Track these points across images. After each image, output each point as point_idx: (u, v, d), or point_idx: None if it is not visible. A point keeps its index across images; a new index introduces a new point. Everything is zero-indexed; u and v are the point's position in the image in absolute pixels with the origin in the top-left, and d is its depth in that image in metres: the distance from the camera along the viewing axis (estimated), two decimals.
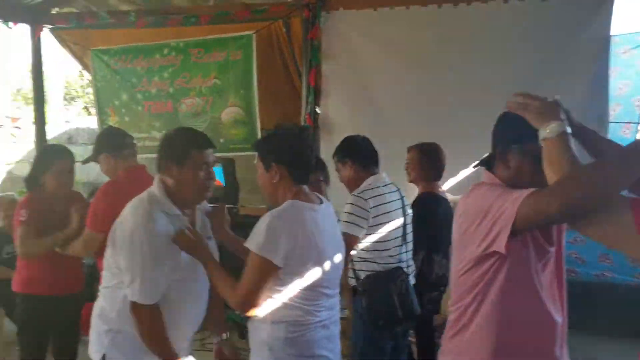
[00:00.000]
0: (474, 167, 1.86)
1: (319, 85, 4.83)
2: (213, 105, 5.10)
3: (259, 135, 5.00)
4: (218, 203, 2.43)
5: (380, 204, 2.96)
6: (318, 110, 4.94)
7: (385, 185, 3.08)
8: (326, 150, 4.70)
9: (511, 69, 4.33)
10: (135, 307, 2.09)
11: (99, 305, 2.31)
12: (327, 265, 2.12)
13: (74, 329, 3.33)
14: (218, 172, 5.46)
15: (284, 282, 2.02)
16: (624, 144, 4.74)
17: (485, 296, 1.68)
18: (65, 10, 5.59)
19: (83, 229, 2.93)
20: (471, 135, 4.43)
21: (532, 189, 1.53)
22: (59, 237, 3.04)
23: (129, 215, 2.13)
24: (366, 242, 2.98)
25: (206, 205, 2.40)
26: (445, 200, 3.67)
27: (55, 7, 5.54)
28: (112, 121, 5.56)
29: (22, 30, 5.34)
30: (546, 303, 1.67)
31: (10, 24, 5.24)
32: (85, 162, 3.27)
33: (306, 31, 4.67)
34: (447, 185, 4.56)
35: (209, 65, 5.07)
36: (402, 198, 3.14)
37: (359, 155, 3.14)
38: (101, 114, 5.65)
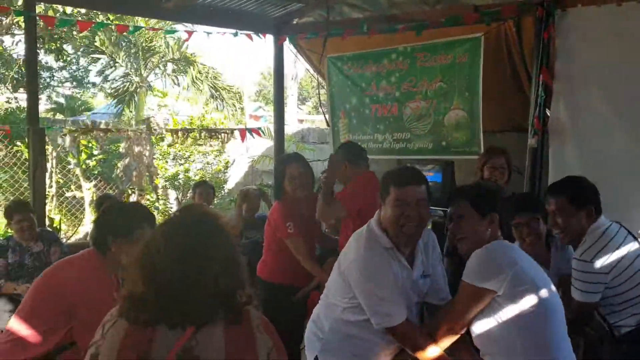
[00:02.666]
0: None
1: (550, 87, 4.58)
2: (437, 108, 5.13)
3: (482, 139, 4.90)
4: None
5: None
6: (548, 112, 4.69)
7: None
8: (554, 156, 4.45)
9: None
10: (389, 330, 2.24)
11: (317, 311, 2.49)
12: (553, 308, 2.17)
13: (302, 317, 3.61)
14: (436, 175, 5.50)
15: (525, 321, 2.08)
16: None
17: None
18: (304, 20, 6.10)
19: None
20: None
21: None
22: (317, 270, 3.54)
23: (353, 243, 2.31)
24: None
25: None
26: None
27: (295, 18, 6.08)
28: (342, 123, 5.93)
29: (257, 39, 5.95)
30: None
31: (260, 35, 5.90)
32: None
33: (539, 30, 4.45)
34: None
35: (435, 68, 5.12)
36: None
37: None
38: (333, 117, 6.05)
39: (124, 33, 10.25)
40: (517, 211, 3.00)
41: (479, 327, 2.11)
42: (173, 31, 5.41)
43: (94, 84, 17.05)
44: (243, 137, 6.56)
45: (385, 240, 2.20)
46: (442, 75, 5.07)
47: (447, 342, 2.16)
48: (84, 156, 9.45)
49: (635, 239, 2.74)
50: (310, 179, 3.65)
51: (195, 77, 12.82)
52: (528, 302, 2.00)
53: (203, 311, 1.49)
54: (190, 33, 5.89)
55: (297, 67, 12.41)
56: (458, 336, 2.17)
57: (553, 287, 2.17)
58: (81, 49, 13.07)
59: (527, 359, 2.03)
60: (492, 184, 2.50)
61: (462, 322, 2.12)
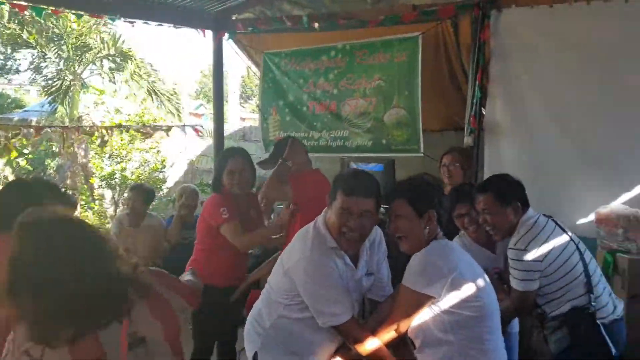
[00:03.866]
0: None
1: (486, 87, 4.66)
2: (377, 106, 5.13)
3: (421, 138, 4.93)
4: None
5: None
6: (484, 111, 4.77)
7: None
8: (490, 153, 4.53)
9: None
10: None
11: (258, 306, 2.45)
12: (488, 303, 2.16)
13: (240, 317, 3.57)
14: (377, 172, 5.51)
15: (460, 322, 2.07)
16: None
17: None
18: (244, 16, 6.00)
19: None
20: None
21: None
22: (265, 232, 3.38)
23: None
24: None
25: None
26: None
27: (235, 13, 5.97)
28: (273, 120, 5.86)
29: (193, 35, 5.83)
30: None
31: (199, 30, 5.77)
32: (264, 167, 3.52)
33: (475, 30, 4.52)
34: (626, 196, 4.16)
35: (374, 66, 5.12)
36: None
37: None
38: (264, 113, 5.97)
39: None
40: (457, 202, 3.08)
41: (415, 320, 2.13)
42: (116, 17, 5.22)
43: (31, 81, 16.32)
44: (185, 133, 6.39)
45: (330, 240, 2.20)
46: (381, 74, 5.08)
47: (387, 338, 2.19)
48: (14, 154, 9.01)
49: (564, 230, 2.83)
50: (250, 177, 3.52)
51: (134, 72, 12.44)
52: (465, 303, 2.03)
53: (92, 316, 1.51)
54: (131, 23, 5.69)
55: (239, 64, 12.28)
56: (399, 335, 2.19)
57: (490, 286, 2.18)
58: (10, 43, 12.48)
59: (459, 351, 2.04)
60: (431, 179, 2.49)
61: (403, 324, 2.14)
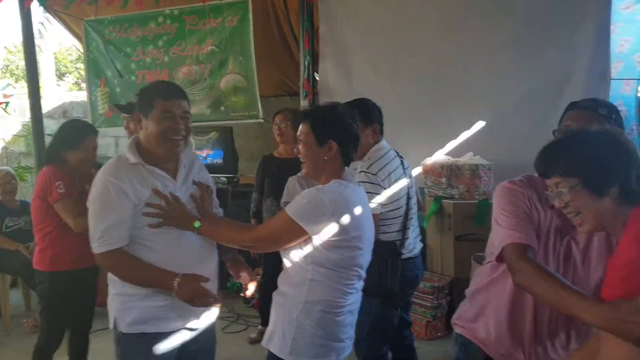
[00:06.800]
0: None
1: (316, 50, 4.77)
2: (212, 72, 5.03)
3: (259, 103, 4.93)
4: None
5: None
6: (317, 76, 4.90)
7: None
8: None
9: (513, 26, 4.29)
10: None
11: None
12: (367, 245, 2.13)
13: (92, 301, 3.34)
14: (216, 141, 5.43)
15: (322, 261, 2.02)
16: (624, 101, 4.64)
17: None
18: None
19: None
20: (473, 98, 4.45)
21: (515, 237, 1.77)
22: None
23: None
24: None
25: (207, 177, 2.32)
26: None
27: None
28: (102, 92, 5.50)
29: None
30: None
31: None
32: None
33: None
34: (448, 147, 4.57)
35: (205, 32, 4.99)
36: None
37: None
38: (91, 85, 5.57)
39: None
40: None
41: (288, 259, 2.10)
42: None
43: None
44: None
45: (132, 158, 2.08)
46: (213, 39, 4.97)
47: (237, 236, 2.15)
48: None
49: (404, 169, 3.01)
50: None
51: None
52: (337, 254, 2.02)
53: None
54: None
55: (50, 38, 11.19)
56: (250, 246, 2.19)
57: (370, 232, 2.19)
58: None
59: (322, 286, 2.05)
60: (345, 110, 2.36)
61: (269, 241, 2.09)
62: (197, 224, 2.10)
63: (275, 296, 2.15)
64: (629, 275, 1.43)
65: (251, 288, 2.28)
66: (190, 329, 2.17)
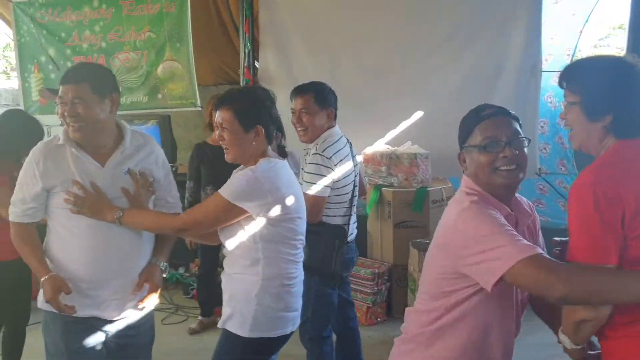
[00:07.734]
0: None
1: (256, 37, 4.74)
2: (149, 59, 4.91)
3: (197, 91, 4.86)
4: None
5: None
6: (257, 64, 4.87)
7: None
8: None
9: (449, 21, 4.39)
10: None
11: None
12: (303, 213, 2.20)
13: (29, 292, 3.22)
14: (154, 130, 5.32)
15: (271, 237, 2.06)
16: (554, 92, 4.80)
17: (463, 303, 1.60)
18: None
19: None
20: (412, 89, 4.54)
21: (529, 249, 1.43)
22: None
23: None
24: None
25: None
26: None
27: None
28: (35, 78, 5.27)
29: None
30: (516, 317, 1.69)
31: None
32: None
33: None
34: (388, 137, 4.65)
35: (142, 18, 4.86)
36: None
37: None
38: (24, 72, 5.34)
39: None
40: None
41: (232, 242, 2.12)
42: None
43: None
44: None
45: (61, 138, 2.09)
46: (150, 25, 4.85)
47: (167, 222, 2.18)
48: None
49: (353, 156, 3.04)
50: None
51: None
52: (282, 228, 2.08)
53: None
54: None
55: None
56: (192, 231, 2.20)
57: (304, 207, 2.23)
58: None
59: (265, 264, 2.08)
60: (262, 91, 2.34)
61: (206, 223, 2.10)
62: (118, 213, 2.06)
63: (228, 280, 2.17)
64: None
65: (147, 302, 2.22)
66: (107, 320, 2.15)
